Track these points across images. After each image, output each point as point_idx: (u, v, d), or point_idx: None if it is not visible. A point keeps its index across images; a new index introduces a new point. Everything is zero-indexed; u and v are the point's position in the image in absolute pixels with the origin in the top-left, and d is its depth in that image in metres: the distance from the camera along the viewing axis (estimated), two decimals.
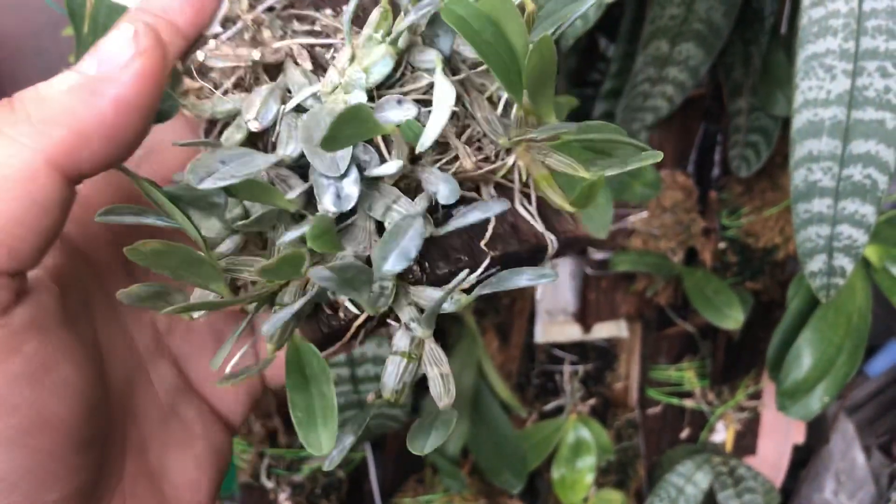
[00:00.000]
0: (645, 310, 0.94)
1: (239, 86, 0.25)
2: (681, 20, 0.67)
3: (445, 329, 0.85)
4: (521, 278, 0.24)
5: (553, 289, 0.91)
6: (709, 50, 0.69)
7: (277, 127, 0.24)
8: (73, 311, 0.23)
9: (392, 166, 0.23)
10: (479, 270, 0.24)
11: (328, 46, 0.25)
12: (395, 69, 0.24)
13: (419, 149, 0.23)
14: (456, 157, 0.25)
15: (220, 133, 0.25)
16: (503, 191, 0.26)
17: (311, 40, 0.25)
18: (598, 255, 0.88)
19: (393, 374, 0.24)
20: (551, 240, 0.26)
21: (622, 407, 0.99)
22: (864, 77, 0.48)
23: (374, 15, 0.24)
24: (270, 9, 0.25)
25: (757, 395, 1.05)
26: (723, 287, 0.85)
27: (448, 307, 0.24)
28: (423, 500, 0.88)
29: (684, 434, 1.05)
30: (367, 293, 0.22)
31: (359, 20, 0.25)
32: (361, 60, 0.24)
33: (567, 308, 0.93)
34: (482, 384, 0.82)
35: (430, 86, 0.24)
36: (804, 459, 1.14)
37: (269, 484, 0.82)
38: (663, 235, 0.87)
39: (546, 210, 0.26)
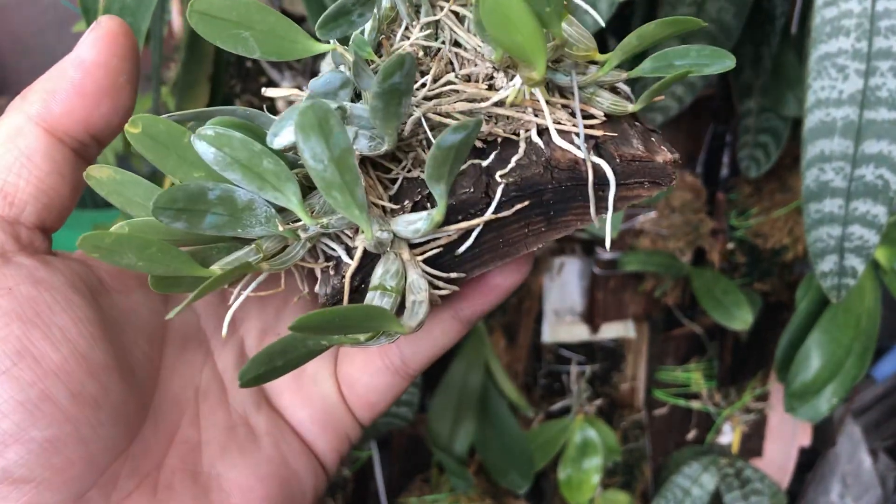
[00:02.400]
0: (652, 310, 0.94)
1: None
2: None
3: None
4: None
5: (561, 289, 0.91)
6: None
7: None
8: (129, 305, 0.25)
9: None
10: (495, 203, 0.22)
11: None
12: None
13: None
14: (458, 99, 0.24)
15: None
16: (540, 134, 0.24)
17: None
18: (606, 254, 0.87)
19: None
20: (598, 164, 0.23)
21: (629, 408, 0.99)
22: (877, 77, 0.48)
23: None
24: None
25: (764, 397, 1.05)
26: (731, 288, 0.85)
27: (422, 226, 0.22)
28: (428, 499, 0.88)
29: (691, 435, 1.05)
30: (288, 188, 0.20)
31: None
32: None
33: (574, 308, 0.92)
34: (489, 384, 0.82)
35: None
36: (810, 462, 1.13)
37: None
38: (672, 235, 0.87)
39: (606, 142, 0.24)
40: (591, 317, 0.92)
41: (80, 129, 0.23)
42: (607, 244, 0.24)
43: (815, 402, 0.73)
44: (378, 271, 0.22)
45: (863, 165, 0.50)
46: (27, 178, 0.22)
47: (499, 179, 0.22)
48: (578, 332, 0.93)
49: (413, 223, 0.22)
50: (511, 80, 0.24)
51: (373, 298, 0.22)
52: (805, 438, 1.07)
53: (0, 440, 0.20)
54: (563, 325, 0.92)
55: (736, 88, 0.79)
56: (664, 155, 0.24)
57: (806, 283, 0.73)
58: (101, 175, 0.22)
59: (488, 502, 0.88)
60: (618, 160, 0.23)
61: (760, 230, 0.90)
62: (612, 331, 0.94)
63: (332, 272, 0.23)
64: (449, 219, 0.22)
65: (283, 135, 0.20)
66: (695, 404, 1.02)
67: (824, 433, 1.12)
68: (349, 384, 0.29)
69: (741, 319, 0.82)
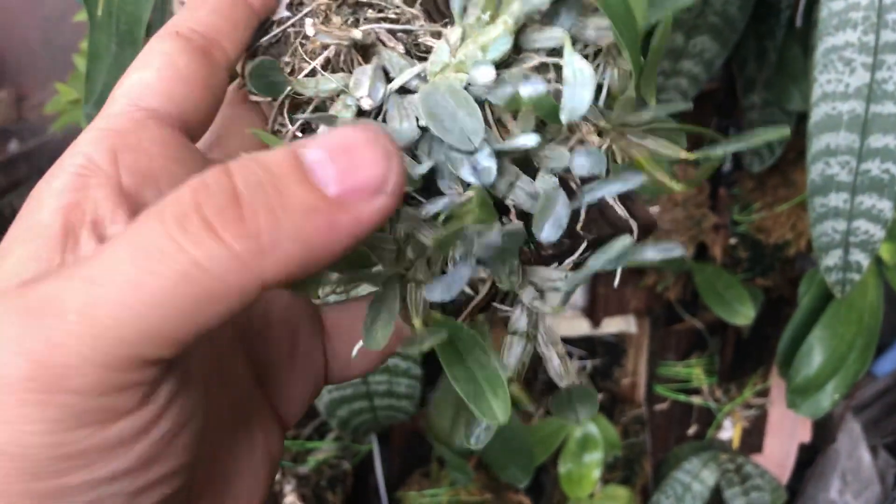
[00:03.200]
0: (654, 305, 0.94)
1: (326, 67, 0.25)
2: (696, 13, 0.67)
3: None
4: (647, 252, 0.22)
5: None
6: (724, 43, 0.68)
7: (385, 106, 0.24)
8: None
9: (531, 139, 0.22)
10: (577, 253, 0.24)
11: (407, 32, 0.25)
12: None
13: (567, 120, 0.22)
14: (567, 137, 0.25)
15: (314, 112, 0.26)
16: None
17: (393, 26, 0.25)
18: None
19: (515, 354, 0.25)
20: (634, 225, 0.26)
21: (629, 403, 0.99)
22: (884, 70, 0.48)
23: None
24: None
25: (764, 393, 1.05)
26: (734, 283, 0.84)
27: (564, 286, 0.24)
28: (428, 493, 0.88)
29: (691, 431, 1.05)
30: (510, 266, 0.23)
31: (429, 3, 0.25)
32: (476, 39, 0.23)
33: (576, 302, 0.92)
34: None
35: (540, 66, 0.24)
36: (810, 459, 1.13)
37: None
38: (674, 230, 0.86)
39: (622, 197, 0.26)
40: (593, 311, 0.91)
41: (281, 286, 0.20)
42: (616, 283, 0.27)
43: (818, 398, 0.73)
44: (522, 321, 0.25)
45: (868, 160, 0.50)
46: (213, 334, 0.19)
47: (580, 232, 0.25)
48: (579, 327, 0.93)
49: (553, 281, 0.24)
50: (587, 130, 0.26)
51: (519, 343, 0.25)
52: (805, 435, 1.07)
53: None
54: (564, 320, 0.92)
55: (740, 82, 0.79)
56: (653, 216, 0.27)
57: (808, 278, 0.72)
58: None
59: (488, 496, 0.88)
60: (641, 222, 0.26)
61: (763, 225, 0.90)
62: (613, 325, 0.94)
63: None
64: (551, 262, 0.25)
65: (547, 229, 0.22)
66: (695, 400, 1.02)
67: (824, 430, 1.12)
68: (336, 357, 0.28)
69: (743, 314, 0.82)
